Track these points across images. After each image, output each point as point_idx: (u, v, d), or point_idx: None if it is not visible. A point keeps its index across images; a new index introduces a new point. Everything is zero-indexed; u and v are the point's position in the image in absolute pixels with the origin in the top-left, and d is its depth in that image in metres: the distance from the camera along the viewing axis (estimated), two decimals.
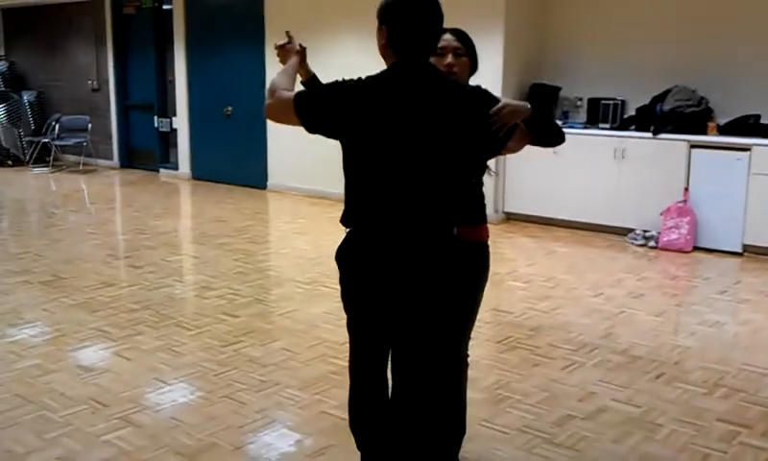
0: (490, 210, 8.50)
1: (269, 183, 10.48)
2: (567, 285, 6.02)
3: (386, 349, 2.74)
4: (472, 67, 2.92)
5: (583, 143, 7.71)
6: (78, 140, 12.50)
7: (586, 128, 7.90)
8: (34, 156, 12.93)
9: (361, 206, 2.59)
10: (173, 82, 11.73)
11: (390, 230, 2.54)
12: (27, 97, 13.28)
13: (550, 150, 2.90)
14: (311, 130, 2.57)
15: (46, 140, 12.73)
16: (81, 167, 12.49)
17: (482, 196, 2.96)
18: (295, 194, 10.04)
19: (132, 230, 8.23)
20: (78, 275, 6.29)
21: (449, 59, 2.84)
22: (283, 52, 2.89)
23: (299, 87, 2.72)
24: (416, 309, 2.60)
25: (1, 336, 4.89)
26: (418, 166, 2.50)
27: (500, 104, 2.53)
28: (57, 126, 12.70)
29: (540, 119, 2.70)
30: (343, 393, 3.97)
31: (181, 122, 11.62)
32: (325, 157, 9.61)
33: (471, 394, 3.95)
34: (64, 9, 12.93)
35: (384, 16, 2.53)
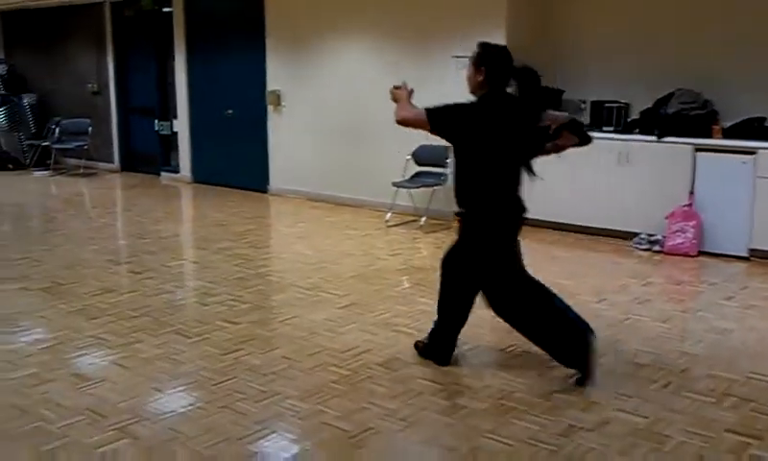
0: None
1: (270, 187, 10.41)
2: (571, 291, 5.93)
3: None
4: None
5: (586, 147, 7.64)
6: (78, 144, 12.45)
7: (589, 131, 7.80)
8: (34, 159, 12.89)
9: (469, 197, 4.16)
10: (173, 84, 11.67)
11: (499, 207, 4.14)
12: (27, 100, 13.24)
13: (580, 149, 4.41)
14: (437, 132, 4.14)
15: (47, 144, 12.69)
16: (81, 171, 12.44)
17: None
18: (295, 197, 9.97)
19: (132, 235, 8.18)
20: (77, 281, 6.23)
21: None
22: (397, 92, 4.28)
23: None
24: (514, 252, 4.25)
25: None
26: (513, 159, 4.10)
27: (551, 115, 4.27)
28: (57, 129, 12.66)
29: (577, 123, 4.37)
30: (343, 402, 3.93)
31: (182, 125, 11.56)
32: (326, 159, 9.59)
33: (474, 404, 3.93)
34: (65, 12, 12.89)
35: (482, 61, 4.08)
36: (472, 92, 4.16)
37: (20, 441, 3.57)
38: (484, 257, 4.21)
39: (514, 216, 4.19)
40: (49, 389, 4.13)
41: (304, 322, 5.23)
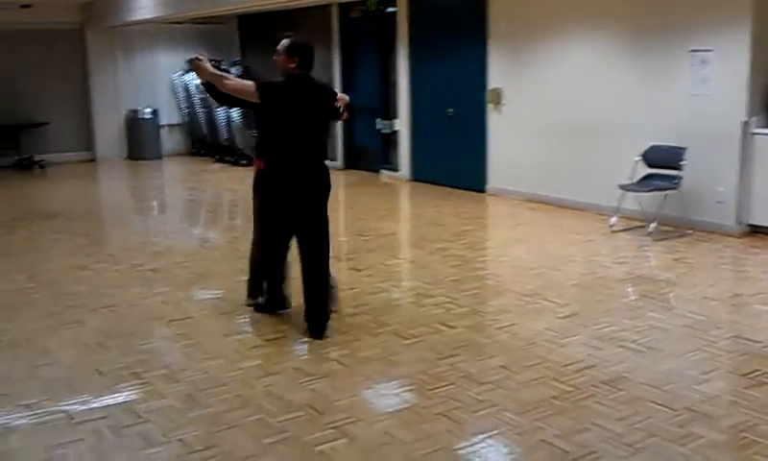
0: (730, 221, 7.56)
1: (488, 187, 10.26)
2: None
3: (289, 235, 5.14)
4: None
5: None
6: None
7: None
8: None
9: (275, 152, 5.01)
10: (395, 84, 11.83)
11: (292, 165, 4.94)
12: None
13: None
14: (263, 102, 4.88)
15: None
16: None
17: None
18: (514, 198, 9.74)
19: (353, 232, 8.34)
20: None
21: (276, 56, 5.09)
22: (199, 63, 5.02)
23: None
24: (307, 208, 5.00)
25: (227, 334, 5.07)
26: (308, 128, 4.97)
27: (340, 96, 5.17)
28: None
29: (351, 105, 5.27)
30: (564, 420, 3.70)
31: (403, 124, 11.70)
32: (547, 159, 9.30)
33: (711, 434, 3.56)
34: (295, 14, 13.47)
35: (295, 52, 4.92)
36: (282, 74, 4.98)
37: (243, 431, 3.68)
38: (273, 200, 5.11)
39: (302, 171, 4.97)
40: (272, 381, 4.25)
41: (523, 330, 5.03)
